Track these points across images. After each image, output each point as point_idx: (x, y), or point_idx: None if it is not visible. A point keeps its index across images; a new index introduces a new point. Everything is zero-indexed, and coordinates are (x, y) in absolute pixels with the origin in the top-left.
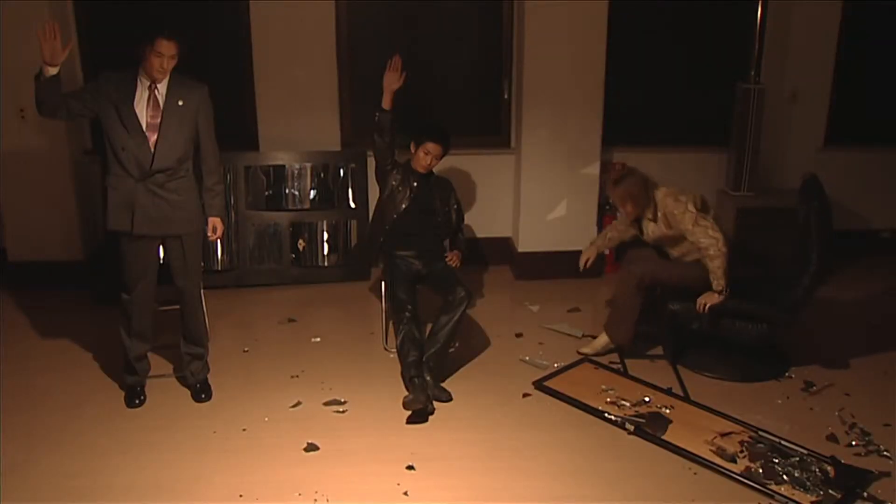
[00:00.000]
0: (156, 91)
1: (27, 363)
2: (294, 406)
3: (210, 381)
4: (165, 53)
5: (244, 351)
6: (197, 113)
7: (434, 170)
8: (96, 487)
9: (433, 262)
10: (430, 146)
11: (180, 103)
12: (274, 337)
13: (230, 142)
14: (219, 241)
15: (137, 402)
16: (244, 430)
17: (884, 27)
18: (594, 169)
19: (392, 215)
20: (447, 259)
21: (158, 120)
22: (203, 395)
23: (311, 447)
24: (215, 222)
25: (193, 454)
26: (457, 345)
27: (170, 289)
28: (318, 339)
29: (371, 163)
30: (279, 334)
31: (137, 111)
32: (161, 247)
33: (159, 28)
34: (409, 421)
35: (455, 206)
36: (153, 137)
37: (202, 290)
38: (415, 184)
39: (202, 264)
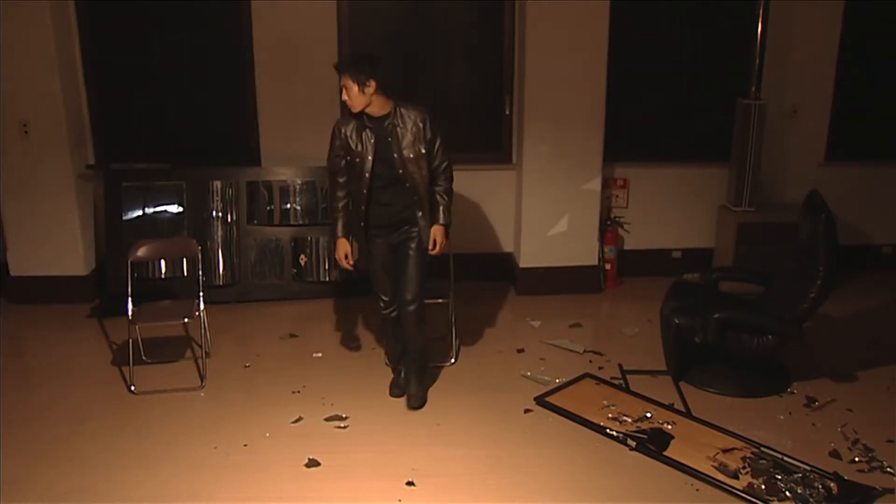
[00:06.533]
0: None
1: (28, 377)
2: (295, 421)
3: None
4: None
5: (245, 366)
6: None
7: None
8: (97, 502)
9: (406, 234)
10: (342, 79)
11: None
12: (275, 352)
13: (232, 157)
14: (220, 255)
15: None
16: (245, 445)
17: (883, 43)
18: (595, 185)
19: (361, 188)
20: (429, 248)
21: None
22: None
23: (313, 463)
24: None
25: (194, 469)
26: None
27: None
28: (320, 355)
29: None
30: (280, 349)
31: None
32: None
33: None
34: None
35: (433, 141)
36: None
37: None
38: (368, 133)
39: (203, 278)
